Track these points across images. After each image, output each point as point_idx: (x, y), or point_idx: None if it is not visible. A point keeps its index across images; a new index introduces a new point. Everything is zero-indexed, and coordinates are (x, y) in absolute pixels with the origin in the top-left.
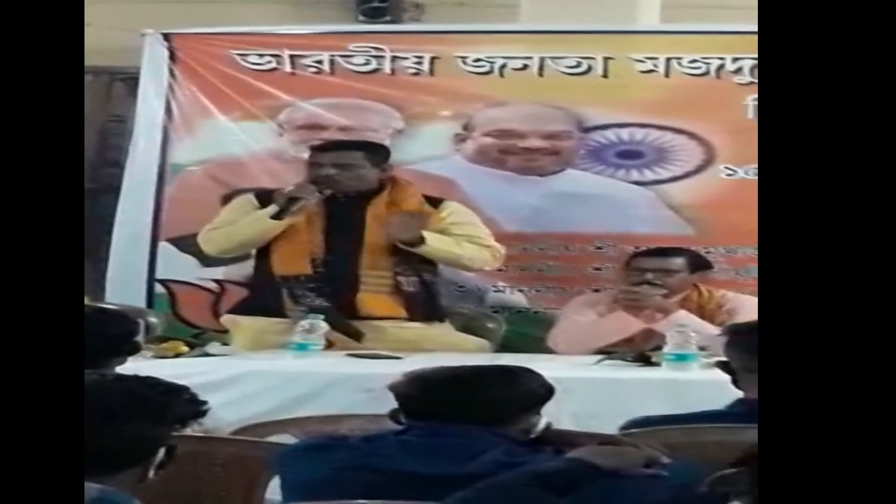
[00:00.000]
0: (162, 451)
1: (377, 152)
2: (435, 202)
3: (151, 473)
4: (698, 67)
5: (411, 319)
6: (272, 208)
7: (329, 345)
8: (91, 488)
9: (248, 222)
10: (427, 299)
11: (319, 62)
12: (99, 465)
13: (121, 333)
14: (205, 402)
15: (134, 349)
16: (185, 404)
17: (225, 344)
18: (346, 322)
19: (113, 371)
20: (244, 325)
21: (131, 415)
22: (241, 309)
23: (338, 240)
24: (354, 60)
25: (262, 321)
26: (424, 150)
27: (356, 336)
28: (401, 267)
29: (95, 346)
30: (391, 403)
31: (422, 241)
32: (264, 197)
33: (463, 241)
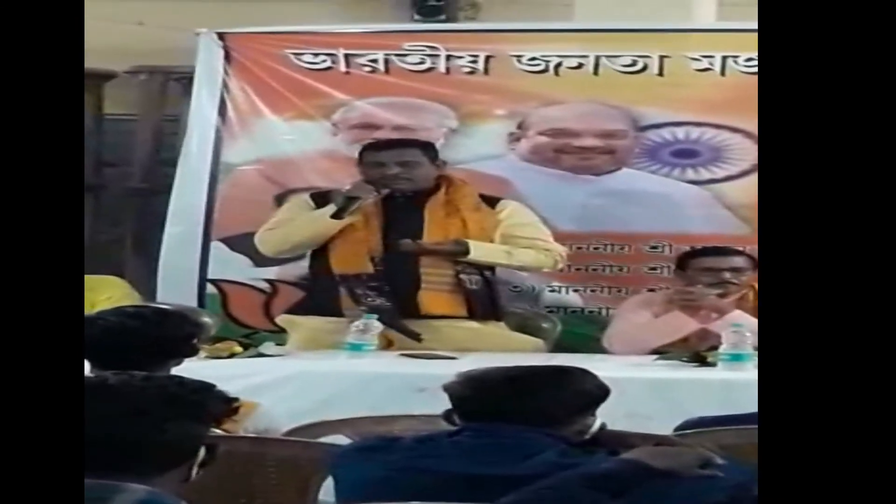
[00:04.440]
0: (203, 450)
1: (430, 149)
2: (492, 201)
3: (195, 473)
4: (754, 65)
5: (472, 318)
6: (331, 208)
7: (388, 344)
8: (138, 490)
9: (305, 222)
10: (487, 297)
11: (374, 61)
12: (144, 465)
13: (180, 335)
14: (236, 399)
15: (193, 351)
16: (217, 402)
17: (279, 344)
18: (404, 322)
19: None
20: (301, 325)
21: (170, 413)
22: (299, 309)
23: (396, 239)
24: (409, 59)
25: (319, 320)
26: (479, 149)
27: (416, 336)
28: (462, 265)
29: (154, 347)
30: (445, 404)
31: (466, 252)
32: (319, 197)
33: (521, 244)
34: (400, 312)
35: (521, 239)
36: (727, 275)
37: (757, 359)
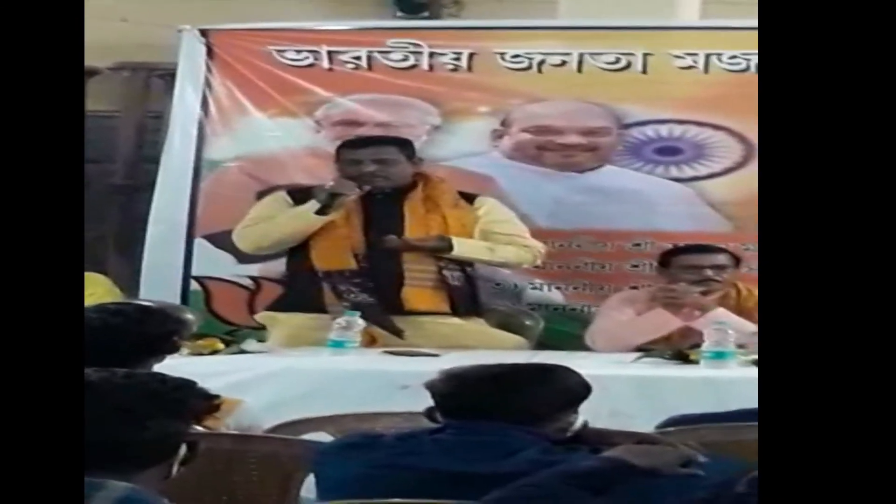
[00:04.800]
0: (184, 447)
1: (407, 147)
2: (469, 198)
3: (175, 470)
4: (738, 63)
5: (455, 314)
6: (313, 204)
7: (371, 341)
8: (118, 487)
9: (288, 219)
10: (469, 293)
11: (357, 58)
12: (124, 462)
13: (162, 333)
14: (217, 396)
15: (174, 348)
16: (198, 399)
17: (261, 341)
18: (387, 318)
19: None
20: (282, 322)
21: (151, 411)
22: (280, 305)
23: (378, 235)
24: (392, 56)
25: (301, 317)
26: (462, 146)
27: (398, 332)
28: (444, 261)
29: (136, 344)
30: (428, 401)
31: (450, 248)
32: (297, 194)
33: (500, 240)
34: (383, 308)
35: (500, 235)
36: (710, 272)
37: (745, 356)
